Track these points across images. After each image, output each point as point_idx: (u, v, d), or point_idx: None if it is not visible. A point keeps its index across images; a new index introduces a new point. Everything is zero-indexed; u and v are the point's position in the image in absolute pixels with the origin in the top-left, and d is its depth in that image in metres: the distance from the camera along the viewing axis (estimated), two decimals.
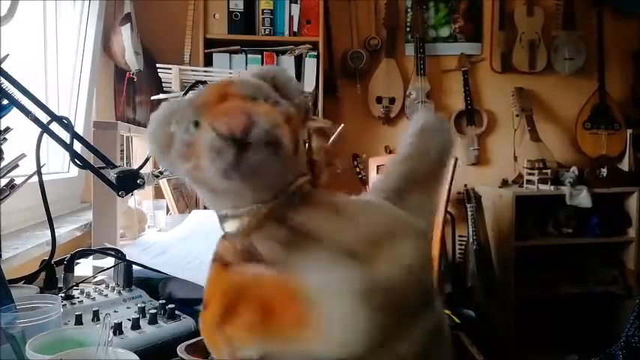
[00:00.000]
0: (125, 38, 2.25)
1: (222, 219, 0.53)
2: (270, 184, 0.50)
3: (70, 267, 1.01)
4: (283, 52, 2.56)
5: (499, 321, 2.69)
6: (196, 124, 0.49)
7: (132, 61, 2.28)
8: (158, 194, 1.78)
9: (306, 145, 0.55)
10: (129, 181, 1.03)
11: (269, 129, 0.46)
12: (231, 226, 0.51)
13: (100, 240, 1.24)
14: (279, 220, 0.49)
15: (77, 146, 1.03)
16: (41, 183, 1.02)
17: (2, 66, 0.89)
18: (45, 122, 0.97)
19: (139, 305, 0.89)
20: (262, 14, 2.53)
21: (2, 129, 0.92)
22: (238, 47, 2.53)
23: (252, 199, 0.50)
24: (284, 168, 0.49)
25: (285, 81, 0.55)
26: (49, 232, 1.07)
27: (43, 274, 1.01)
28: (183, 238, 1.25)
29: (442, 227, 2.07)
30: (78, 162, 1.00)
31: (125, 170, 1.04)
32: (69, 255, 1.03)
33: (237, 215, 0.51)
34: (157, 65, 1.73)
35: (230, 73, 1.80)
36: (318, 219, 0.50)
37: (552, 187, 2.67)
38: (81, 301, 0.92)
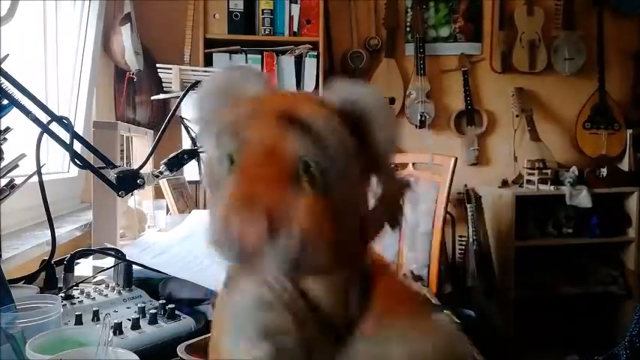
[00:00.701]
0: (125, 38, 2.25)
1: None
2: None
3: (70, 267, 1.01)
4: (283, 52, 2.57)
5: (499, 321, 2.69)
6: (231, 161, 0.41)
7: (132, 61, 2.28)
8: (158, 194, 1.78)
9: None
10: (129, 181, 1.03)
11: (291, 258, 0.38)
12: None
13: (100, 240, 1.24)
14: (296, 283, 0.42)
15: (77, 146, 1.03)
16: (41, 183, 1.02)
17: (2, 66, 0.89)
18: (45, 122, 0.97)
19: (139, 305, 0.89)
20: (262, 14, 2.53)
21: (2, 129, 0.92)
22: (238, 47, 2.53)
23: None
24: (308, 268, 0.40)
25: (378, 121, 0.42)
26: (49, 232, 1.07)
27: (43, 274, 1.01)
28: (183, 238, 1.25)
29: (442, 227, 2.07)
30: (78, 162, 1.00)
31: (125, 170, 1.04)
32: (69, 255, 1.03)
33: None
34: (157, 65, 1.73)
35: None
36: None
37: (552, 187, 2.67)
38: (81, 301, 0.92)
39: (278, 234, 0.37)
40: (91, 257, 1.24)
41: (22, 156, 0.99)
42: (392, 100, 2.88)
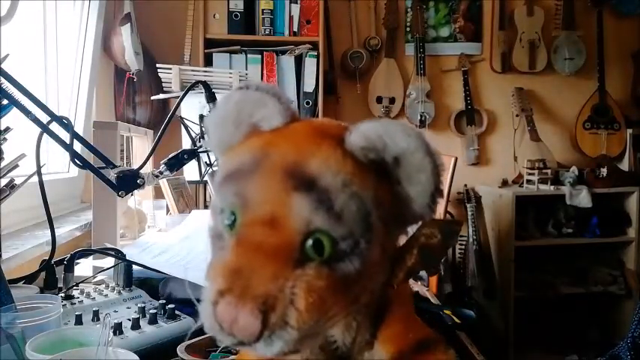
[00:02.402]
0: (125, 38, 2.25)
1: None
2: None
3: (70, 267, 1.01)
4: (283, 52, 2.57)
5: (499, 321, 2.69)
6: (233, 222, 0.37)
7: (132, 61, 2.28)
8: (158, 194, 1.78)
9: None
10: (129, 181, 1.03)
11: (291, 347, 0.33)
12: None
13: (100, 240, 1.24)
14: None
15: (77, 146, 1.03)
16: (41, 183, 1.02)
17: (2, 66, 0.89)
18: (45, 122, 0.97)
19: (139, 305, 0.89)
20: (262, 14, 2.53)
21: (2, 129, 0.92)
22: (238, 47, 2.53)
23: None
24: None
25: (419, 167, 0.35)
26: (49, 232, 1.07)
27: (43, 274, 1.01)
28: (183, 238, 1.25)
29: None
30: (78, 162, 1.00)
31: (125, 170, 1.04)
32: (69, 255, 1.03)
33: None
34: (157, 65, 1.73)
35: (230, 73, 1.79)
36: None
37: (552, 187, 2.67)
38: (81, 301, 0.92)
39: (274, 326, 0.32)
40: (91, 257, 1.24)
41: (22, 156, 0.99)
42: (392, 100, 2.89)
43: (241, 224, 0.36)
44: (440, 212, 2.06)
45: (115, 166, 1.06)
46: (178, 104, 1.22)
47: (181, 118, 1.41)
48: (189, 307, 0.91)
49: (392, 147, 0.35)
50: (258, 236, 0.35)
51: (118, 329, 0.79)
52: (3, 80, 0.89)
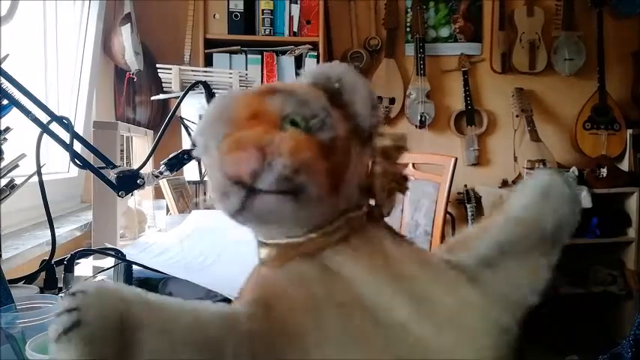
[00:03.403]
0: (125, 38, 2.25)
1: (257, 244, 0.48)
2: (292, 224, 0.44)
3: (70, 267, 1.01)
4: (283, 52, 2.57)
5: None
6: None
7: (132, 61, 2.28)
8: (158, 194, 1.78)
9: (370, 168, 0.47)
10: (129, 181, 1.03)
11: (287, 175, 0.39)
12: (262, 253, 0.47)
13: (100, 240, 1.24)
14: (312, 256, 0.43)
15: (77, 146, 1.03)
16: (41, 183, 1.02)
17: (2, 66, 0.89)
18: (45, 122, 0.97)
19: None
20: (262, 14, 2.53)
21: (2, 129, 0.92)
22: (238, 47, 2.53)
23: (278, 233, 0.45)
24: (309, 210, 0.42)
25: (353, 87, 0.45)
26: (49, 232, 1.07)
27: (43, 274, 1.01)
28: (183, 238, 1.25)
29: (442, 227, 2.07)
30: (78, 162, 1.00)
31: (125, 170, 1.04)
32: (69, 255, 1.03)
33: (266, 244, 0.46)
34: (157, 65, 1.73)
35: (230, 73, 1.80)
36: (357, 268, 0.42)
37: None
38: None
39: (271, 161, 0.39)
40: (91, 257, 1.24)
41: (22, 156, 0.99)
42: (392, 100, 2.89)
43: (230, 130, 0.43)
44: (440, 212, 2.06)
45: (115, 166, 1.05)
46: (178, 104, 1.22)
47: (181, 118, 1.41)
48: None
49: (332, 73, 0.46)
50: (246, 126, 0.43)
51: None
52: (3, 80, 0.89)
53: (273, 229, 0.45)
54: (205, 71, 2.10)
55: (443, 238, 2.19)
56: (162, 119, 2.43)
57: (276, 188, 0.39)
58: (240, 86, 1.75)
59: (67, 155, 1.00)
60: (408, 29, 2.94)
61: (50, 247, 1.05)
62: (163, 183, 1.72)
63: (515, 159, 2.92)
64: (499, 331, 0.45)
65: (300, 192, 0.40)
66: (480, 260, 0.47)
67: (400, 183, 0.48)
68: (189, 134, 1.35)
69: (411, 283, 0.42)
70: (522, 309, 0.52)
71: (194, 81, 1.27)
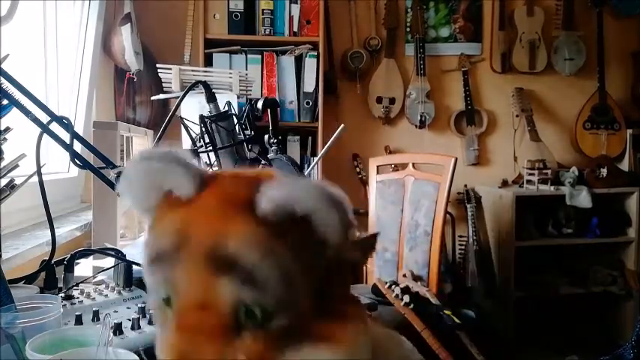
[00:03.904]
0: (125, 38, 2.25)
1: None
2: None
3: (70, 267, 1.01)
4: (283, 52, 2.57)
5: (499, 321, 2.69)
6: (169, 297, 0.40)
7: (132, 61, 2.28)
8: None
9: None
10: None
11: None
12: None
13: (100, 240, 1.24)
14: None
15: (77, 146, 1.03)
16: (41, 183, 1.02)
17: (2, 66, 0.89)
18: (45, 122, 0.97)
19: (139, 305, 0.89)
20: (262, 14, 2.53)
21: (2, 129, 0.92)
22: (238, 47, 2.53)
23: None
24: None
25: (325, 222, 0.38)
26: (49, 232, 1.07)
27: (43, 274, 1.01)
28: None
29: (442, 227, 2.07)
30: (78, 162, 1.00)
31: None
32: (69, 255, 1.03)
33: None
34: (157, 65, 1.73)
35: (230, 73, 1.79)
36: None
37: (552, 188, 2.67)
38: (81, 301, 0.92)
39: None
40: (91, 257, 1.24)
41: (22, 156, 0.99)
42: (392, 100, 2.89)
43: (177, 310, 0.39)
44: (440, 212, 2.06)
45: (115, 166, 1.05)
46: (178, 104, 1.22)
47: (181, 118, 1.41)
48: None
49: (298, 210, 0.37)
50: (194, 320, 0.38)
51: (118, 329, 0.79)
52: (3, 80, 0.89)
53: None
54: (205, 71, 2.10)
55: (443, 238, 2.19)
56: (162, 119, 2.43)
57: None
58: (240, 87, 1.75)
59: (67, 155, 0.99)
60: (408, 29, 2.94)
61: (50, 247, 1.05)
62: None
63: (515, 159, 2.92)
64: None
65: None
66: None
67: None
68: (189, 134, 1.35)
69: None
70: None
71: (194, 81, 1.27)
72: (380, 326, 0.51)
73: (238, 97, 1.74)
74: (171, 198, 0.42)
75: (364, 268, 2.27)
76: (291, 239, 0.38)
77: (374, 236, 0.46)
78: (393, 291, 1.85)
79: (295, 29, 2.55)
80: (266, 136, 1.52)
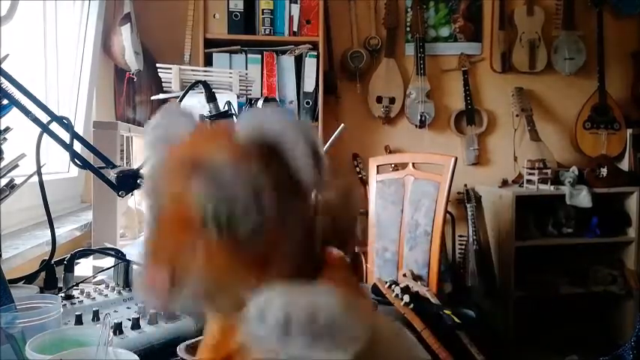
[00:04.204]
0: (125, 38, 2.25)
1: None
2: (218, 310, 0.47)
3: (70, 267, 1.01)
4: (283, 52, 2.57)
5: (499, 321, 2.69)
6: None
7: (132, 61, 2.28)
8: None
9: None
10: (129, 181, 1.03)
11: (195, 298, 0.41)
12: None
13: (100, 240, 1.24)
14: None
15: (77, 146, 1.03)
16: (41, 183, 1.02)
17: (2, 66, 0.89)
18: (45, 122, 0.97)
19: (139, 305, 0.89)
20: (262, 14, 2.53)
21: (2, 129, 0.92)
22: (238, 47, 2.53)
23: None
24: (230, 302, 0.43)
25: (293, 145, 0.42)
26: (49, 232, 1.07)
27: (43, 274, 1.01)
28: None
29: (442, 227, 2.07)
30: (78, 162, 1.00)
31: (125, 170, 1.04)
32: (69, 255, 1.03)
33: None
34: (157, 65, 1.73)
35: (230, 73, 1.79)
36: None
37: (552, 187, 2.67)
38: (81, 301, 0.92)
39: (180, 283, 0.40)
40: (91, 257, 1.24)
41: (22, 156, 0.99)
42: (392, 100, 2.89)
43: (159, 207, 0.44)
44: (440, 212, 2.06)
45: (115, 166, 1.06)
46: (178, 104, 1.21)
47: None
48: None
49: (268, 132, 0.43)
50: (169, 213, 0.43)
51: (118, 329, 0.79)
52: (3, 80, 0.89)
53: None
54: (205, 71, 2.10)
55: (443, 237, 2.19)
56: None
57: (189, 300, 0.41)
58: (240, 87, 1.75)
59: (67, 155, 1.00)
60: (408, 29, 2.94)
61: (50, 247, 1.05)
62: None
63: (515, 158, 2.92)
64: None
65: (214, 297, 0.42)
66: None
67: (343, 240, 0.49)
68: None
69: None
70: None
71: (194, 81, 1.27)
72: (383, 317, 0.53)
73: (238, 97, 1.74)
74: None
75: (364, 268, 2.27)
76: (263, 160, 0.43)
77: (349, 189, 0.51)
78: (393, 291, 1.85)
79: (295, 29, 2.55)
80: None
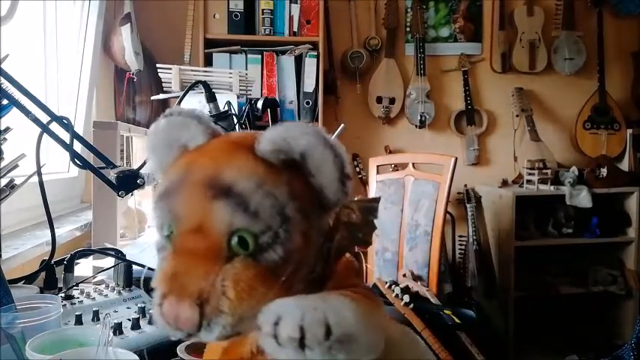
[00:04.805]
0: (125, 38, 2.25)
1: None
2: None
3: (70, 267, 1.01)
4: (283, 52, 2.57)
5: (499, 321, 2.69)
6: (171, 233, 0.42)
7: (132, 61, 2.28)
8: None
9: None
10: (129, 181, 1.03)
11: (228, 330, 0.38)
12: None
13: (100, 240, 1.24)
14: None
15: (77, 146, 1.03)
16: (41, 183, 1.02)
17: (2, 66, 0.89)
18: (45, 122, 0.97)
19: (139, 305, 0.89)
20: (262, 14, 2.53)
21: (2, 129, 0.92)
22: (238, 47, 2.53)
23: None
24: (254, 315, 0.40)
25: (320, 162, 0.41)
26: (49, 232, 1.07)
27: (43, 274, 1.01)
28: None
29: (442, 227, 2.07)
30: (78, 162, 1.00)
31: (125, 170, 1.04)
32: (69, 255, 1.03)
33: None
34: (157, 65, 1.73)
35: (230, 73, 1.79)
36: None
37: (552, 187, 2.67)
38: (81, 301, 0.92)
39: (211, 318, 0.38)
40: (91, 257, 1.24)
41: (22, 156, 0.99)
42: (392, 100, 2.89)
43: (176, 235, 0.41)
44: (440, 212, 2.06)
45: (115, 166, 1.05)
46: (178, 104, 1.22)
47: None
48: None
49: (295, 147, 0.40)
50: (189, 243, 0.40)
51: (118, 329, 0.79)
52: (3, 80, 0.89)
53: None
54: (205, 71, 2.10)
55: (443, 237, 2.19)
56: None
57: (221, 334, 0.39)
58: (240, 87, 1.75)
59: (67, 155, 1.00)
60: (408, 29, 2.94)
61: (50, 247, 1.05)
62: None
63: (515, 159, 2.92)
64: None
65: (244, 322, 0.39)
66: None
67: (365, 243, 0.48)
68: None
69: None
70: None
71: (194, 81, 1.27)
72: (395, 323, 0.52)
73: (238, 97, 1.74)
74: (186, 151, 0.46)
75: (365, 268, 2.27)
76: (287, 177, 0.41)
77: (376, 200, 0.49)
78: (393, 291, 1.85)
79: (295, 29, 2.55)
80: None
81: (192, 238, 0.40)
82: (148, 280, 1.05)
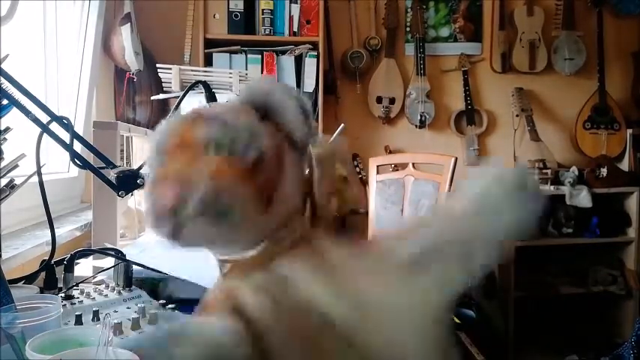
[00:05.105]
0: (125, 38, 2.25)
1: (217, 262, 0.53)
2: (227, 246, 0.48)
3: (70, 267, 1.01)
4: (283, 52, 2.56)
5: (499, 321, 2.69)
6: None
7: (132, 61, 2.28)
8: None
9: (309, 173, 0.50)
10: (129, 181, 1.03)
11: (207, 200, 0.42)
12: (222, 268, 0.51)
13: (100, 240, 1.24)
14: (265, 266, 0.47)
15: (77, 146, 1.03)
16: (41, 183, 1.02)
17: (2, 66, 0.89)
18: (45, 122, 0.97)
19: (139, 305, 0.89)
20: (262, 14, 2.53)
21: (2, 129, 0.92)
22: (238, 47, 2.53)
23: (224, 251, 0.49)
24: (240, 231, 0.45)
25: (280, 102, 0.48)
26: (49, 232, 1.07)
27: (43, 274, 1.01)
28: None
29: None
30: (78, 162, 1.00)
31: (125, 170, 1.04)
32: (69, 255, 1.03)
33: (224, 261, 0.50)
34: (157, 65, 1.73)
35: (230, 73, 1.79)
36: (301, 276, 0.45)
37: (552, 187, 2.67)
38: (81, 301, 0.92)
39: (189, 192, 0.43)
40: (91, 257, 1.24)
41: (22, 156, 0.99)
42: (392, 100, 2.89)
43: (162, 152, 0.48)
44: None
45: (115, 166, 1.05)
46: (178, 104, 1.21)
47: None
48: (189, 307, 0.91)
49: (258, 93, 0.48)
50: (173, 144, 0.47)
51: (118, 329, 0.79)
52: (3, 80, 0.89)
53: (217, 250, 0.49)
54: (205, 71, 2.10)
55: None
56: (162, 119, 2.43)
57: (199, 214, 0.42)
58: (240, 86, 1.75)
59: (67, 155, 1.00)
60: (408, 29, 2.94)
61: (50, 247, 1.05)
62: None
63: (515, 159, 2.92)
64: (439, 318, 0.48)
65: (225, 215, 0.43)
66: (424, 250, 0.51)
67: (340, 188, 0.52)
68: None
69: (351, 282, 0.46)
70: (454, 298, 0.53)
71: (194, 81, 1.27)
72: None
73: None
74: None
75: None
76: (257, 113, 0.48)
77: (338, 143, 0.57)
78: None
79: (295, 29, 2.55)
80: None
81: (175, 152, 0.46)
82: (147, 280, 1.05)
